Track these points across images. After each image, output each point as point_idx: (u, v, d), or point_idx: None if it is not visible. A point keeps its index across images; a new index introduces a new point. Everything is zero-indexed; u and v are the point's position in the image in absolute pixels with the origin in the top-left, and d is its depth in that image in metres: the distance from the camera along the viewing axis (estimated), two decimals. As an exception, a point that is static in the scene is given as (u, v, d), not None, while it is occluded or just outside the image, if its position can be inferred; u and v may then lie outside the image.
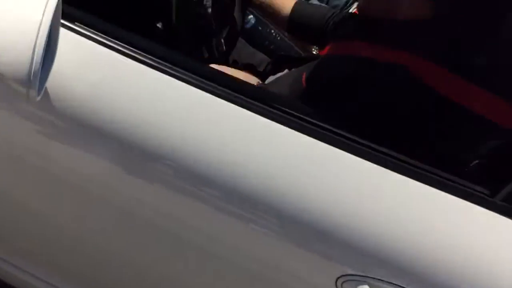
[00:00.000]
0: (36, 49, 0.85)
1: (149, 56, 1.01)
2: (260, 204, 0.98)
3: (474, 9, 1.09)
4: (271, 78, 1.45)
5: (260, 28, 1.86)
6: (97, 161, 1.04)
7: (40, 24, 0.86)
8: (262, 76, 1.53)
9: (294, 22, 1.62)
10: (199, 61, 1.12)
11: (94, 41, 1.02)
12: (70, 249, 1.25)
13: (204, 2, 1.34)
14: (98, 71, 1.01)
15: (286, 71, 1.42)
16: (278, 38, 1.86)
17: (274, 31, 1.87)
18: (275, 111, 0.99)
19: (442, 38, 1.10)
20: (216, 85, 0.99)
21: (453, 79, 1.07)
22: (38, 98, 0.90)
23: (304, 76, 1.23)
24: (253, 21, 1.87)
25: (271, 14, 1.65)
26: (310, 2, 2.04)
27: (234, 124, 0.99)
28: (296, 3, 1.63)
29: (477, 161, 1.11)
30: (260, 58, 1.72)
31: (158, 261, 1.17)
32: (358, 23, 1.31)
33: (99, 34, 1.02)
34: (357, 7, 1.32)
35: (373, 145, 0.99)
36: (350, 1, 2.15)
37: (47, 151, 1.06)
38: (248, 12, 1.77)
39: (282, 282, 1.06)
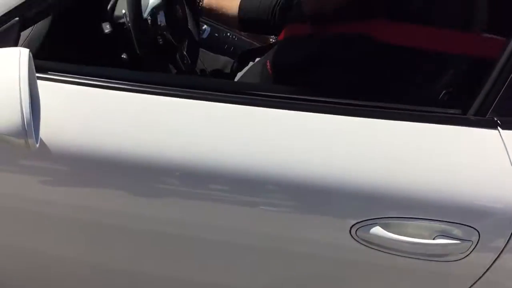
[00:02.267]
0: (23, 102, 0.93)
1: (123, 82, 1.10)
2: (267, 184, 1.06)
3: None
4: (239, 75, 1.53)
5: (216, 34, 1.94)
6: (106, 193, 1.11)
7: (19, 79, 0.94)
8: (230, 76, 1.61)
9: (244, 20, 1.69)
10: (166, 74, 1.21)
11: (70, 83, 1.10)
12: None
13: (159, 23, 1.42)
14: (82, 109, 1.09)
15: (250, 63, 1.50)
16: (236, 39, 1.94)
17: (230, 33, 1.95)
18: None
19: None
20: (189, 89, 1.09)
21: (404, 28, 1.16)
22: (37, 145, 0.97)
23: (268, 64, 1.31)
24: (208, 29, 1.95)
25: (221, 17, 1.73)
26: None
27: (221, 120, 1.07)
28: (241, 1, 1.71)
29: (444, 91, 1.19)
30: (224, 61, 1.80)
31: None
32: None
33: (73, 76, 1.10)
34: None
35: (352, 102, 1.07)
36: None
37: (54, 198, 1.13)
38: (201, 23, 1.85)
39: (301, 252, 1.13)
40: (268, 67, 1.32)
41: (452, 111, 1.06)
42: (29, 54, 0.98)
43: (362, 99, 1.08)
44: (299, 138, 1.06)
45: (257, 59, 1.48)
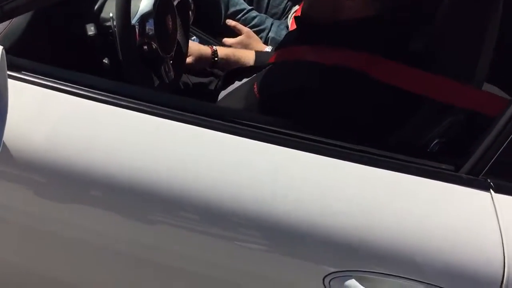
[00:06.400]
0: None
1: (98, 92, 1.03)
2: (244, 220, 1.00)
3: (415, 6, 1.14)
4: (223, 94, 1.46)
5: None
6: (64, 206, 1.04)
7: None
8: (213, 93, 1.54)
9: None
10: (148, 89, 1.14)
11: (43, 86, 1.03)
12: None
13: (147, 31, 1.34)
14: (51, 115, 1.02)
15: (236, 83, 1.44)
16: (224, 53, 1.87)
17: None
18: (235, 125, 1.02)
19: (386, 33, 1.15)
20: (170, 109, 1.03)
21: (401, 69, 1.11)
22: (-1, 151, 0.89)
23: (256, 86, 1.25)
24: (197, 40, 1.88)
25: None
26: (249, 13, 2.06)
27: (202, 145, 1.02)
28: (255, 55, 1.69)
29: (437, 140, 1.14)
30: (209, 77, 1.73)
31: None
32: (301, 28, 1.34)
33: (47, 78, 1.03)
34: (300, 10, 1.35)
35: (336, 142, 1.02)
36: (288, 8, 2.18)
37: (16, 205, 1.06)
38: (190, 33, 1.78)
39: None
40: (256, 90, 1.25)
41: (444, 166, 1.01)
42: (2, 52, 0.90)
43: (350, 141, 1.03)
44: (280, 176, 1.00)
45: (244, 79, 1.42)
